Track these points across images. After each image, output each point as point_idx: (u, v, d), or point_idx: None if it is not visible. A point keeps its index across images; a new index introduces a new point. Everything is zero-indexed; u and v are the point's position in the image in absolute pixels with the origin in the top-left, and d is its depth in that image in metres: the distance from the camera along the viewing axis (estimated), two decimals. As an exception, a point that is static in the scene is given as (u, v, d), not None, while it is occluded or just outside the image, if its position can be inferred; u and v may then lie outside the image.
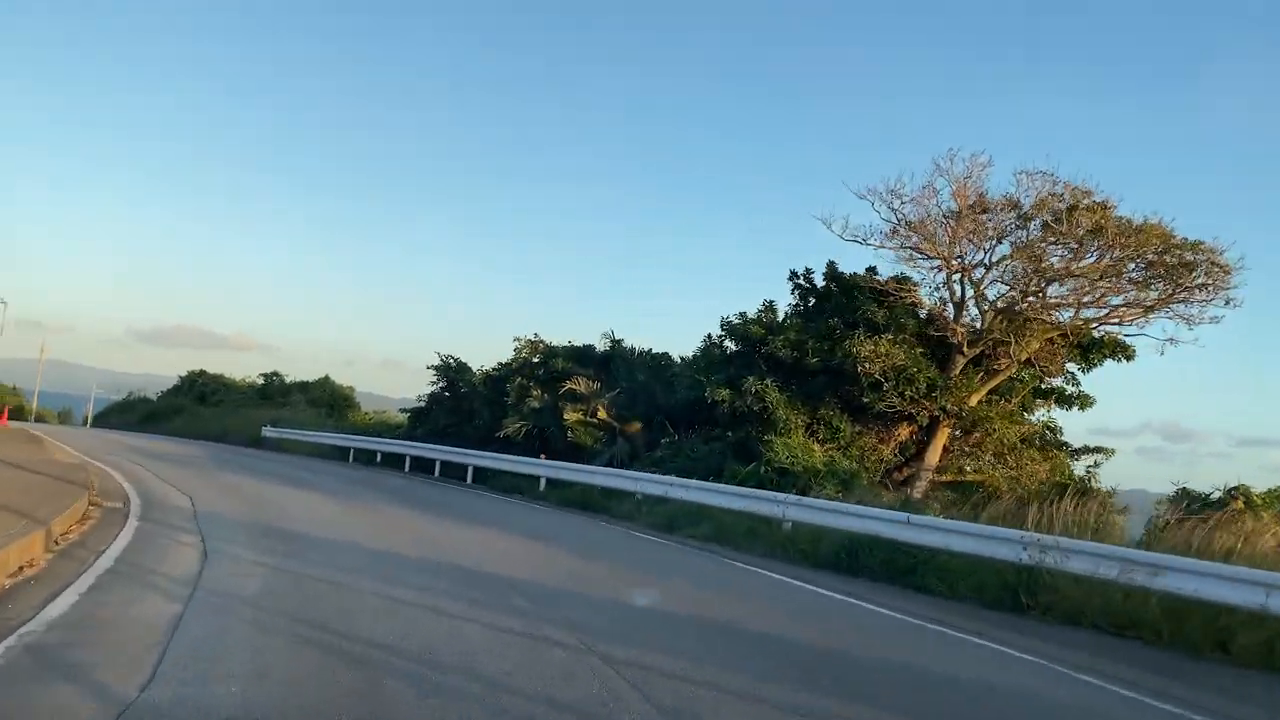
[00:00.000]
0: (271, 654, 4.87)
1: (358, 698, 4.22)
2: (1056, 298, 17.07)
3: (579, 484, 17.93)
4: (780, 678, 5.39)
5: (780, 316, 20.16)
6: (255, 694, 4.13)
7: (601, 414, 20.95)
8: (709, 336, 21.20)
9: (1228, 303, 15.93)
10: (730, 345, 20.45)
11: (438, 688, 4.49)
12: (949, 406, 16.67)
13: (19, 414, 46.75)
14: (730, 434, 17.91)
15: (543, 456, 20.19)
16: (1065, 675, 6.49)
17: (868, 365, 16.41)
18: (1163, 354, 16.71)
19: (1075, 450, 19.60)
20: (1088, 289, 16.46)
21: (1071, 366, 18.65)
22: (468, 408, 25.83)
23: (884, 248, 17.73)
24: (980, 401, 17.45)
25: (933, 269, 17.64)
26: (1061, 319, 17.07)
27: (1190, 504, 11.58)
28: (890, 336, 17.08)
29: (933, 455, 17.39)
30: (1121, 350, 18.12)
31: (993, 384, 17.66)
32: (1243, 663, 7.40)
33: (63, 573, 6.60)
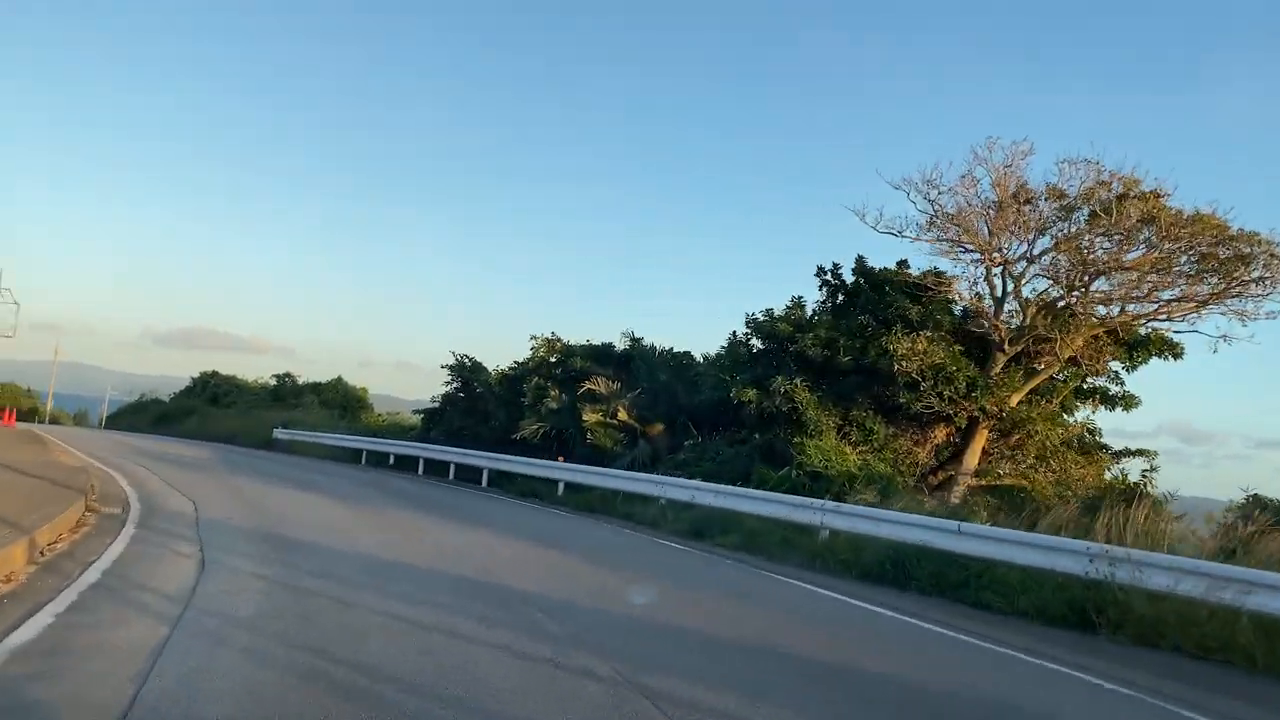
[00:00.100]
0: (264, 690, 4.19)
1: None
2: (1101, 292, 16.19)
3: (599, 488, 17.23)
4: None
5: (808, 313, 19.37)
6: (238, 748, 3.45)
7: (622, 415, 20.22)
8: (733, 334, 20.47)
9: (1288, 296, 15.03)
10: (756, 343, 19.67)
11: (456, 737, 3.79)
12: (989, 407, 15.83)
13: (28, 416, 46.61)
14: (757, 436, 17.15)
15: (561, 459, 19.52)
16: (1171, 713, 5.70)
17: (904, 364, 15.60)
18: (1215, 351, 15.79)
19: (1116, 453, 18.74)
20: (1136, 283, 15.57)
21: (1115, 365, 17.77)
22: (483, 408, 25.20)
23: (920, 240, 16.90)
24: (1020, 402, 16.60)
25: (972, 262, 16.80)
26: (1108, 314, 16.17)
27: (1261, 511, 10.68)
28: (928, 333, 16.26)
29: (971, 458, 16.55)
30: (1169, 348, 17.23)
31: (1034, 383, 16.80)
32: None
33: (42, 588, 5.96)
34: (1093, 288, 16.19)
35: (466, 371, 26.41)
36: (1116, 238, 15.52)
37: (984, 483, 17.07)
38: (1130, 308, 16.17)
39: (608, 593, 8.13)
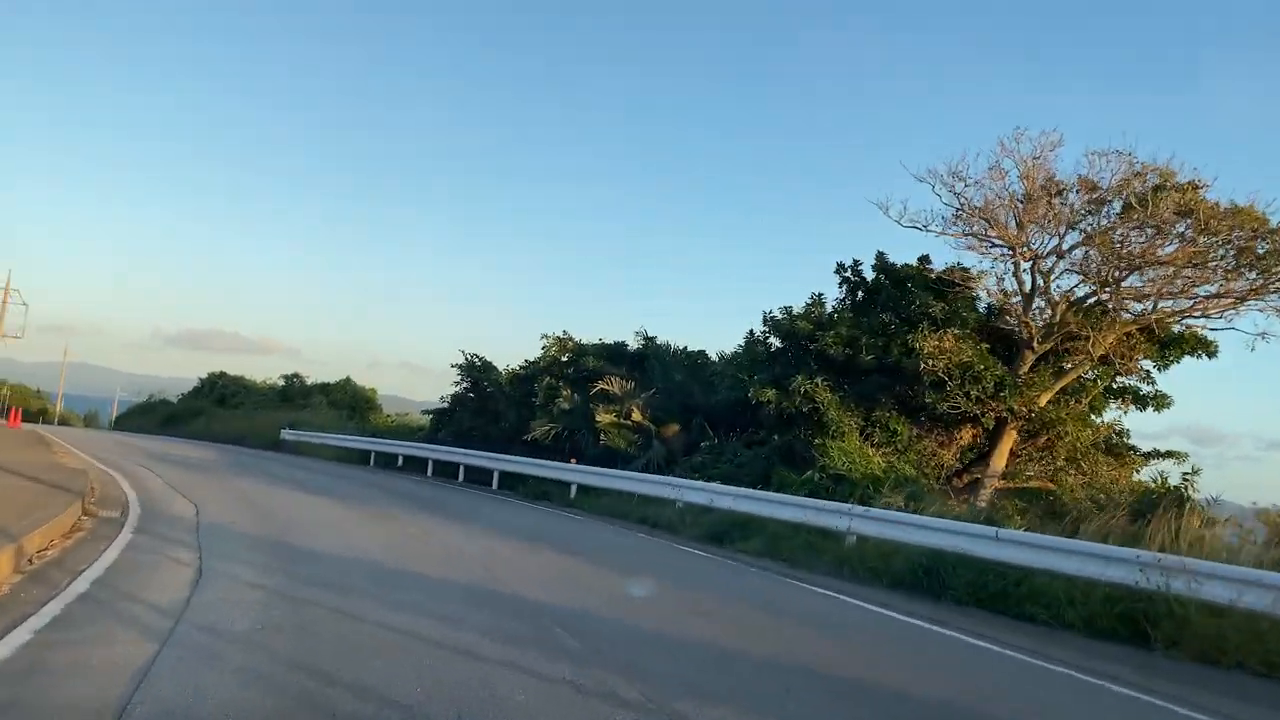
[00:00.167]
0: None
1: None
2: (1134, 288, 15.61)
3: (613, 490, 16.75)
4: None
5: (828, 311, 18.84)
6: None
7: (636, 416, 19.74)
8: (750, 333, 19.95)
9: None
10: (775, 342, 19.16)
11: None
12: (1017, 407, 15.28)
13: (35, 417, 46.52)
14: (776, 437, 16.64)
15: (573, 460, 19.06)
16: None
17: (931, 362, 15.06)
18: (1253, 349, 15.21)
19: (1145, 454, 18.14)
20: (1171, 278, 14.98)
21: (1146, 363, 17.17)
22: (493, 409, 24.77)
23: (946, 234, 16.35)
24: (1049, 402, 16.04)
25: (1000, 257, 16.23)
26: (1142, 311, 15.58)
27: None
28: (955, 331, 15.71)
29: (998, 460, 15.99)
30: (1202, 346, 16.64)
31: (1064, 382, 16.23)
32: None
33: (26, 600, 5.53)
34: (1125, 283, 15.61)
35: (476, 371, 25.98)
36: (1150, 231, 14.95)
37: (1011, 485, 16.51)
38: (1164, 304, 15.59)
39: (626, 602, 7.67)
